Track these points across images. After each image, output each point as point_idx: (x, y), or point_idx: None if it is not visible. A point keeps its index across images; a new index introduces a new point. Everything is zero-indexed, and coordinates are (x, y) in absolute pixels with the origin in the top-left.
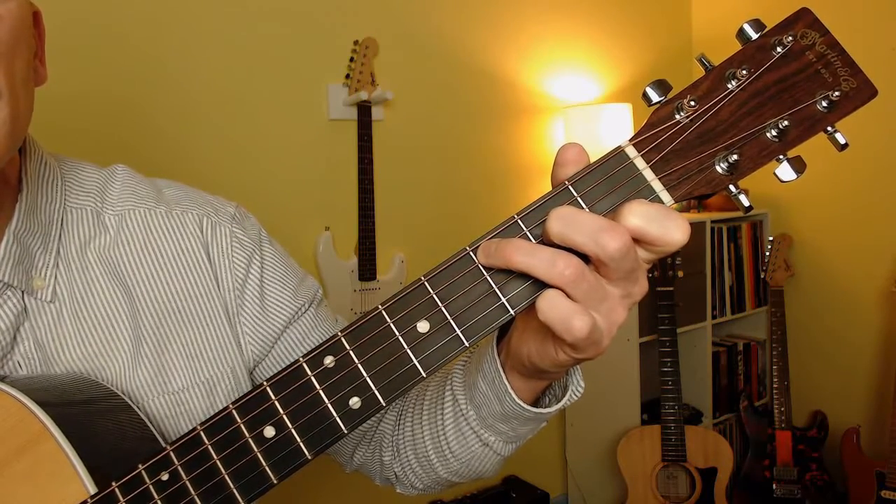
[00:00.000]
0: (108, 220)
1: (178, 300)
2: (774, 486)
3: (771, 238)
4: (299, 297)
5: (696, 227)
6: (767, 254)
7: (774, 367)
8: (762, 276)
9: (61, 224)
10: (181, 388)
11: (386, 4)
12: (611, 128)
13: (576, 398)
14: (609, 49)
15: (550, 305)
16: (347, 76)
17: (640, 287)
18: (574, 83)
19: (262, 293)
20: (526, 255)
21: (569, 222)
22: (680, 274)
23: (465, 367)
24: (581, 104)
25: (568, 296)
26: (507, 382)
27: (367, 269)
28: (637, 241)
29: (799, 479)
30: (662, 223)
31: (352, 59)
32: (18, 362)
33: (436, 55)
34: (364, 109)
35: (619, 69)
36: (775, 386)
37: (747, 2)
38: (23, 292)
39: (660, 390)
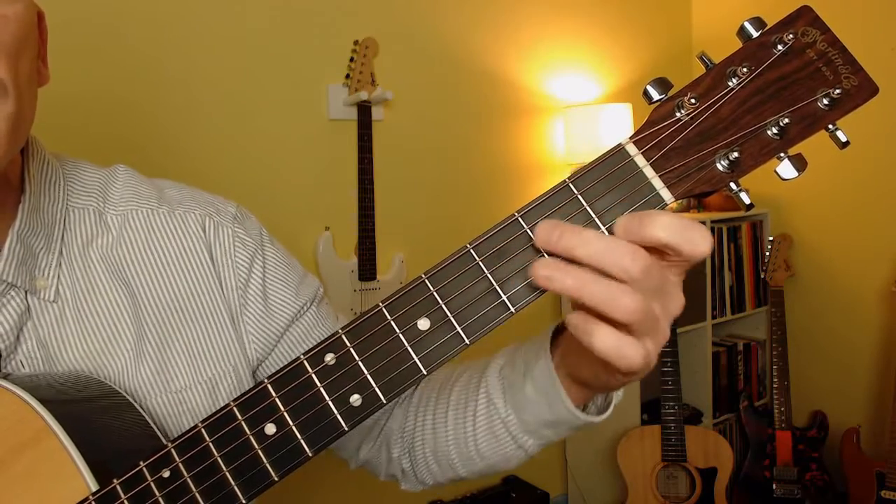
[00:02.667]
0: (111, 220)
1: (181, 300)
2: (774, 486)
3: (771, 238)
4: (301, 296)
5: None
6: (767, 254)
7: (774, 367)
8: (762, 276)
9: (64, 224)
10: (183, 387)
11: (386, 4)
12: (611, 128)
13: (615, 402)
14: (609, 49)
15: (602, 342)
16: (347, 76)
17: (677, 301)
18: (574, 83)
19: (265, 292)
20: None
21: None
22: None
23: (501, 371)
24: (581, 104)
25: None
26: (562, 391)
27: (367, 269)
28: (661, 253)
29: (799, 479)
30: (688, 236)
31: (352, 59)
32: (21, 361)
33: (436, 55)
34: (364, 109)
35: (619, 69)
36: (775, 386)
37: (747, 1)
38: (26, 292)
39: (660, 390)
